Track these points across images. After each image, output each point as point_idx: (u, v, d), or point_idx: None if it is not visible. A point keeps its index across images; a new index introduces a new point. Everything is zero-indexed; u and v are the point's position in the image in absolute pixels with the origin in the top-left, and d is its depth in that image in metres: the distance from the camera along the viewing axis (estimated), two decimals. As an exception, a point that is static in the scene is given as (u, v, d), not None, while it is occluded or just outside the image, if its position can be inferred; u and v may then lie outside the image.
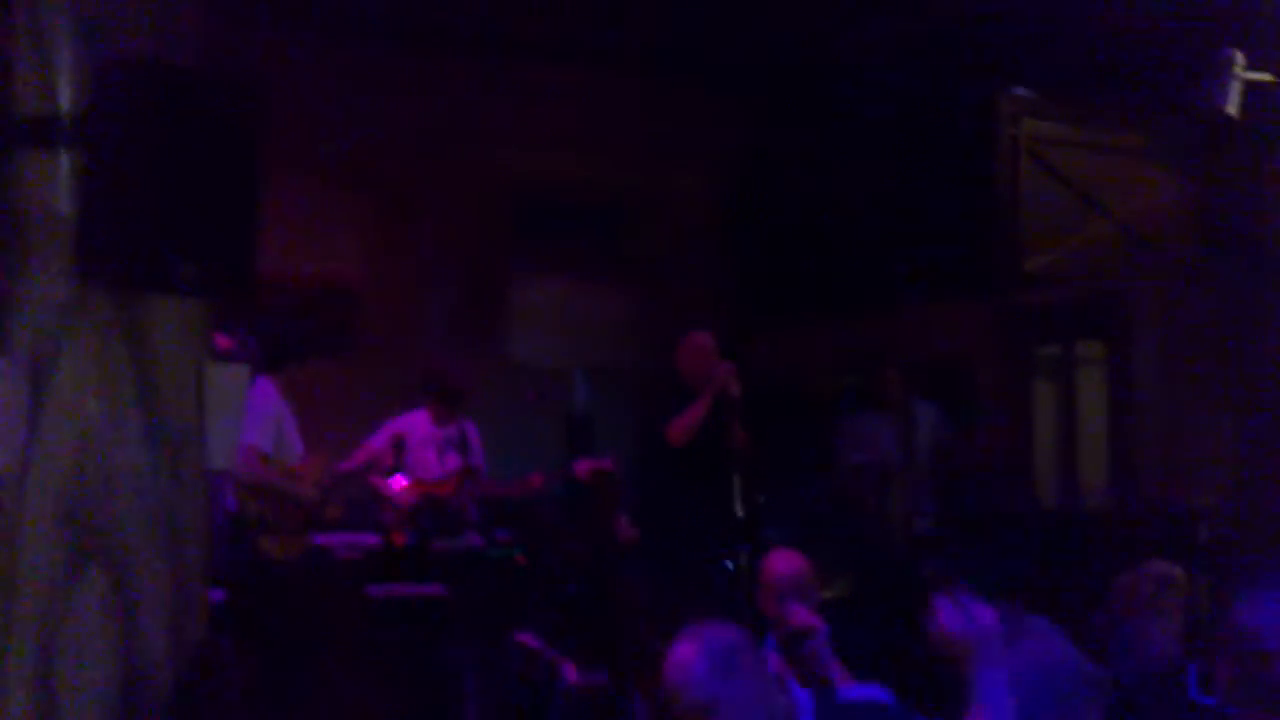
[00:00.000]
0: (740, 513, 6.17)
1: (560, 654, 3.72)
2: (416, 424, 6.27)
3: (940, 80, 7.95)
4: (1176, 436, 7.26)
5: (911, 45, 7.84)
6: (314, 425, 5.86)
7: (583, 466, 6.09)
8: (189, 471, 3.30)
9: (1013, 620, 3.31)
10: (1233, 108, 5.42)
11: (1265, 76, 5.42)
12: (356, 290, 8.13)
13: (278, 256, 3.44)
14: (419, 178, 8.28)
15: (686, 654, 2.68)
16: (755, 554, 6.40)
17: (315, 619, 4.62)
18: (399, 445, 6.11)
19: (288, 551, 5.10)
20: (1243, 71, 5.37)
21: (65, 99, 3.21)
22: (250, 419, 4.97)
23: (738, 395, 6.07)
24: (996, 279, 7.80)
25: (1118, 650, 3.75)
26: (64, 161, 3.20)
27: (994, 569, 3.42)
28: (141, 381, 3.23)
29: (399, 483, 6.13)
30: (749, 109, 8.97)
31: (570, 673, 3.82)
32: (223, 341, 4.93)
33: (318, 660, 4.40)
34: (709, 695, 2.61)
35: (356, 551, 5.63)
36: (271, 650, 4.27)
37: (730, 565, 6.04)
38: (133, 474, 3.18)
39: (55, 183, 3.20)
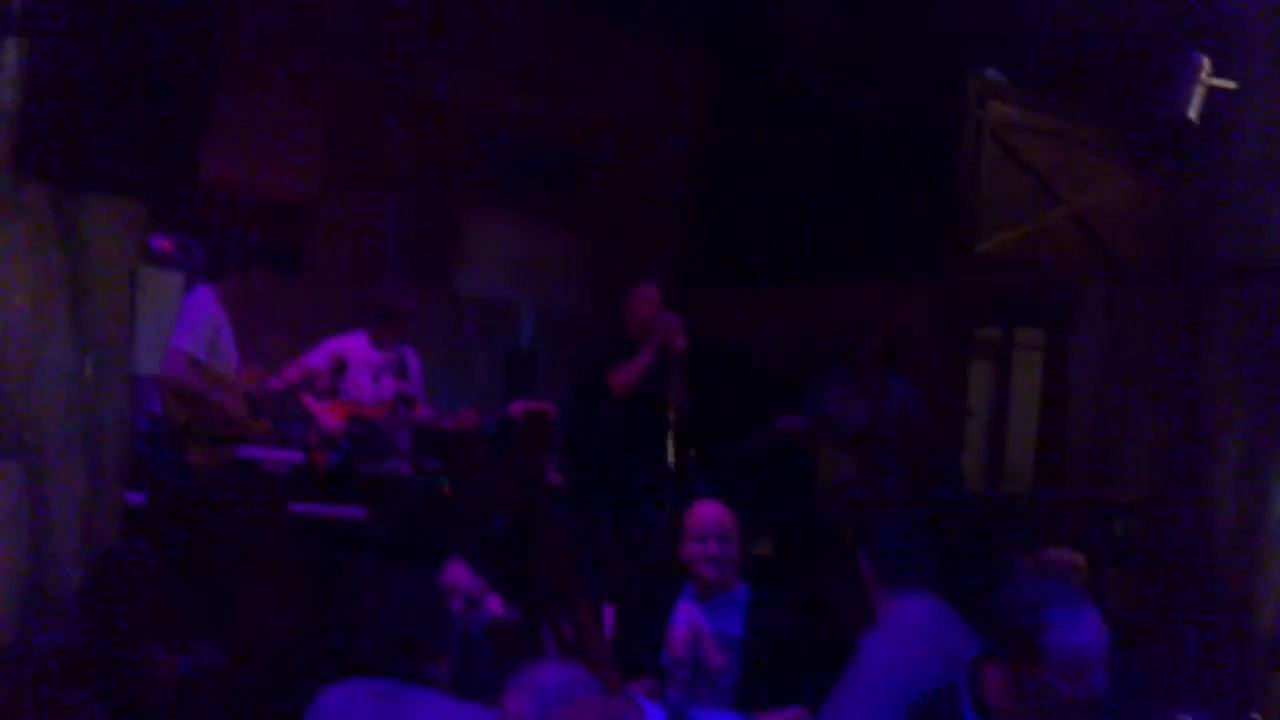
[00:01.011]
0: (671, 464, 6.23)
1: (488, 586, 3.77)
2: (355, 345, 6.23)
3: (908, 54, 7.95)
4: (1106, 430, 7.38)
5: (883, 12, 7.83)
6: (253, 339, 5.83)
7: (518, 406, 6.11)
8: (114, 373, 3.30)
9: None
10: (1194, 113, 5.48)
11: (1229, 83, 5.48)
12: (307, 208, 8.06)
13: (229, 167, 3.42)
14: (378, 102, 8.19)
15: (521, 705, 2.65)
16: (681, 506, 6.48)
17: (234, 530, 4.63)
18: (337, 366, 6.07)
19: (212, 461, 5.09)
20: (1208, 77, 5.42)
21: (17, -13, 3.16)
22: (185, 325, 4.94)
23: (682, 348, 6.11)
24: (947, 258, 7.85)
25: None
26: (11, 52, 3.16)
27: (902, 545, 3.48)
28: (73, 280, 3.22)
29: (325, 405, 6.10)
30: (712, 64, 8.95)
31: (494, 605, 3.87)
32: (163, 244, 4.89)
33: (232, 571, 4.42)
34: None
35: (282, 467, 5.62)
36: (187, 557, 4.29)
37: (655, 515, 6.12)
38: (56, 371, 3.17)
39: (1, 75, 3.16)
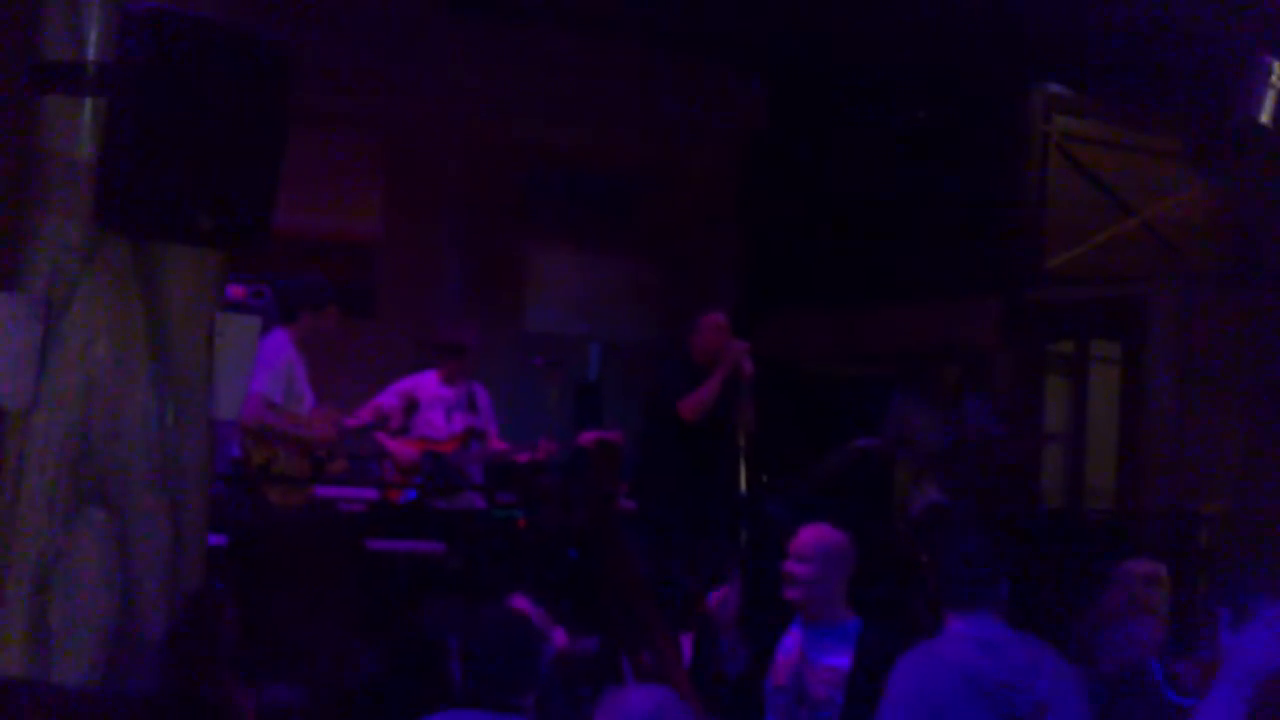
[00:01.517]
0: (743, 490, 6.20)
1: (552, 619, 3.76)
2: (425, 384, 6.31)
3: (971, 68, 7.90)
4: (1186, 441, 7.24)
5: (944, 30, 7.79)
6: (328, 380, 5.92)
7: (588, 436, 6.12)
8: (194, 419, 3.34)
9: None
10: (1266, 116, 5.39)
11: (1301, 87, 5.38)
12: (373, 249, 8.17)
13: (294, 210, 3.47)
14: (438, 142, 8.31)
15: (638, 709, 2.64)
16: (755, 532, 6.44)
17: (314, 569, 4.67)
18: (409, 405, 6.15)
19: (290, 500, 5.16)
20: (1278, 81, 5.33)
21: (92, 47, 3.24)
22: (261, 368, 5.02)
23: (750, 374, 6.09)
24: (1017, 273, 7.78)
25: (1102, 646, 3.76)
26: (88, 108, 3.24)
27: (967, 567, 3.40)
28: (153, 328, 3.27)
29: (401, 443, 6.16)
30: (770, 86, 8.95)
31: (560, 638, 3.86)
32: (235, 291, 4.99)
33: (312, 610, 4.46)
34: None
35: (358, 505, 5.68)
36: (268, 598, 4.33)
37: (730, 543, 6.09)
38: (138, 419, 3.23)
39: (79, 128, 3.25)
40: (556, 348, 7.01)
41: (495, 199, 8.48)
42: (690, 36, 8.54)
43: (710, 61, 8.79)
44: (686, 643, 5.76)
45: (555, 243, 8.84)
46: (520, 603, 3.62)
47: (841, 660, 4.04)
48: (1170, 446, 7.30)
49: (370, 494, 5.80)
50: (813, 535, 4.18)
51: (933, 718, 3.09)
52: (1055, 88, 7.89)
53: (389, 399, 6.20)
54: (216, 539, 4.16)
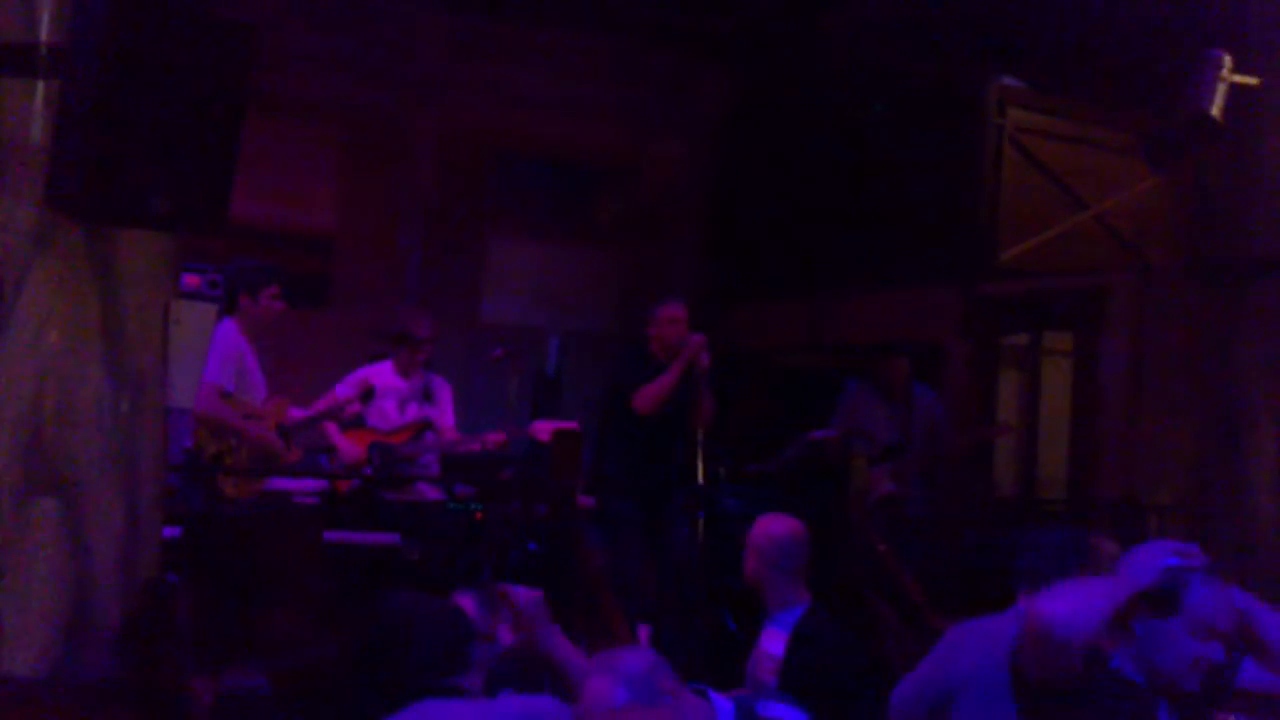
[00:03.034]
0: (700, 482, 6.21)
1: (499, 617, 3.74)
2: (380, 374, 6.25)
3: (928, 62, 7.96)
4: (1137, 433, 7.34)
5: (901, 25, 7.84)
6: (283, 371, 5.87)
7: (544, 427, 6.10)
8: (149, 408, 3.31)
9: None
10: (1216, 110, 5.44)
11: (1251, 79, 5.44)
12: (330, 240, 8.11)
13: (249, 199, 3.45)
14: (397, 131, 8.25)
15: (603, 687, 2.66)
16: (711, 523, 6.46)
17: (268, 561, 4.64)
18: (364, 395, 6.08)
19: (243, 492, 5.11)
20: (1229, 74, 5.39)
21: (45, 28, 3.20)
22: (212, 358, 4.97)
23: (707, 367, 6.09)
24: (972, 267, 7.84)
25: None
26: (40, 90, 3.19)
27: (1044, 562, 3.39)
28: (106, 315, 3.23)
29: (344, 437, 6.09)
30: (731, 78, 8.97)
31: (505, 635, 3.84)
32: (190, 280, 4.92)
33: (267, 602, 4.43)
34: None
35: (313, 497, 5.64)
36: (223, 590, 4.30)
37: (686, 535, 6.10)
38: (92, 407, 3.19)
39: (31, 111, 3.20)
40: (515, 339, 6.98)
41: (454, 189, 8.44)
42: (654, 28, 8.54)
43: (674, 53, 8.80)
44: (644, 634, 5.78)
45: (515, 233, 8.82)
46: (465, 601, 3.60)
47: (778, 647, 4.07)
48: (1121, 438, 7.39)
49: (323, 485, 5.75)
50: (763, 525, 4.20)
51: (953, 687, 3.09)
52: (1009, 81, 7.96)
53: (344, 389, 6.16)
54: (172, 530, 4.12)
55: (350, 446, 6.02)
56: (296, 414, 5.70)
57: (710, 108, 9.07)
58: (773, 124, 8.79)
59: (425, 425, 6.14)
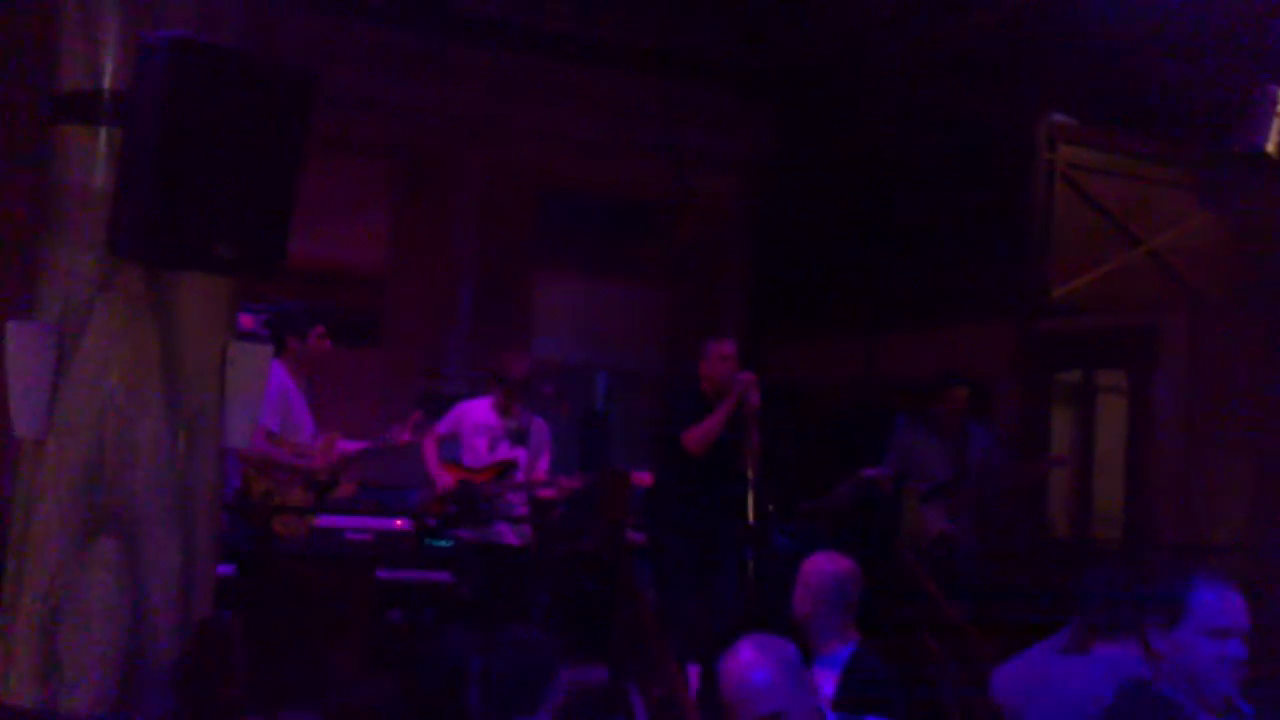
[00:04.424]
0: (751, 520, 6.18)
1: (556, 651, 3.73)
2: (474, 410, 6.15)
3: (977, 99, 7.93)
4: (1193, 469, 7.22)
5: (950, 62, 7.83)
6: (333, 409, 5.90)
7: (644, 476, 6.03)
8: (206, 448, 3.34)
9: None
10: (1272, 146, 5.39)
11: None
12: (380, 279, 8.18)
13: (302, 239, 3.48)
14: (447, 170, 8.33)
15: (753, 660, 2.66)
16: (762, 561, 6.41)
17: (322, 598, 4.66)
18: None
19: (292, 530, 5.13)
20: (1282, 110, 5.34)
21: (108, 76, 3.26)
22: None
23: (757, 405, 6.07)
24: (1024, 304, 7.78)
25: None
26: (103, 137, 3.25)
27: (1109, 596, 3.37)
28: (166, 356, 3.27)
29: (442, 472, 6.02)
30: (778, 116, 8.98)
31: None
32: (245, 321, 4.98)
33: (320, 639, 4.44)
34: (779, 707, 2.62)
35: (366, 534, 5.64)
36: (277, 628, 4.32)
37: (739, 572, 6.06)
38: (150, 447, 3.22)
39: (93, 157, 3.26)
40: (564, 377, 6.99)
41: (503, 227, 8.50)
42: (699, 65, 8.58)
43: (720, 91, 8.83)
44: (694, 673, 5.73)
45: (563, 271, 8.85)
46: (522, 634, 3.58)
47: (829, 688, 4.02)
48: (1177, 476, 7.28)
49: (377, 523, 5.75)
50: (815, 563, 4.15)
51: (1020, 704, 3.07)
52: (1060, 117, 7.92)
53: (442, 424, 6.11)
54: (225, 568, 4.16)
55: (444, 480, 5.97)
56: (346, 446, 5.71)
57: (756, 145, 9.09)
58: (818, 161, 8.79)
59: (511, 466, 6.01)
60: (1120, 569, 3.43)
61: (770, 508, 6.89)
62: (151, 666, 3.15)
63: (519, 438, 6.04)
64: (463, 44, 8.17)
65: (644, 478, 5.92)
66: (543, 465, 6.13)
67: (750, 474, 6.14)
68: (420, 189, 8.32)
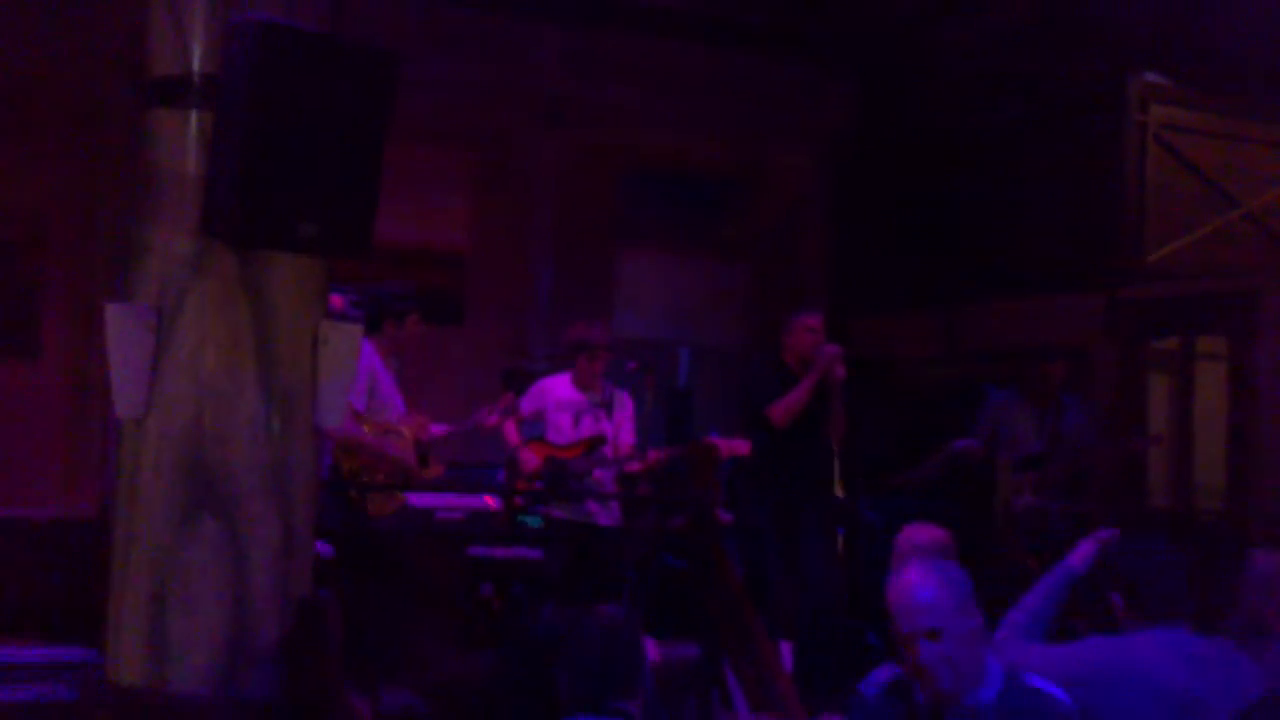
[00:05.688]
0: (840, 495, 6.11)
1: (643, 629, 3.71)
2: (558, 386, 6.06)
3: (1064, 62, 7.72)
4: (1299, 439, 6.99)
5: (1036, 24, 7.63)
6: (418, 389, 5.93)
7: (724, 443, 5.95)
8: (301, 427, 3.38)
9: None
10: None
11: None
12: (463, 259, 8.22)
13: (385, 220, 3.49)
14: (525, 150, 8.33)
15: (920, 578, 2.79)
16: (852, 536, 6.34)
17: (415, 577, 4.69)
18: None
19: (382, 509, 5.16)
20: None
21: (196, 61, 3.29)
22: None
23: (842, 378, 6.00)
24: (1117, 269, 7.58)
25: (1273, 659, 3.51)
26: (194, 120, 3.29)
27: (1156, 577, 3.28)
28: (260, 337, 3.31)
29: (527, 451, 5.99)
30: (858, 87, 8.84)
31: (650, 650, 3.80)
32: (335, 301, 5.02)
33: (415, 618, 4.48)
34: (937, 624, 2.75)
35: (457, 512, 5.67)
36: (372, 606, 4.36)
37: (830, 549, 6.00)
38: (247, 425, 3.27)
39: (185, 142, 3.31)
40: (646, 353, 6.97)
41: (582, 205, 8.49)
42: (779, 37, 8.47)
43: (799, 62, 8.72)
44: (786, 650, 5.70)
45: (643, 248, 8.82)
46: (611, 613, 3.56)
47: None
48: (1281, 444, 7.05)
49: (466, 501, 5.76)
50: (908, 534, 4.08)
51: (1097, 701, 3.01)
52: (1152, 77, 7.68)
53: (524, 402, 6.07)
54: (322, 547, 4.20)
55: (530, 459, 5.93)
56: (437, 430, 5.73)
57: (835, 117, 8.97)
58: (899, 131, 8.63)
59: (599, 441, 5.92)
60: (1165, 550, 3.33)
61: (859, 482, 6.82)
62: (255, 645, 3.20)
63: (604, 411, 5.98)
64: (540, 24, 8.16)
65: (740, 446, 5.82)
66: (626, 438, 6.05)
67: (835, 448, 6.07)
68: (500, 168, 8.34)
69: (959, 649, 2.79)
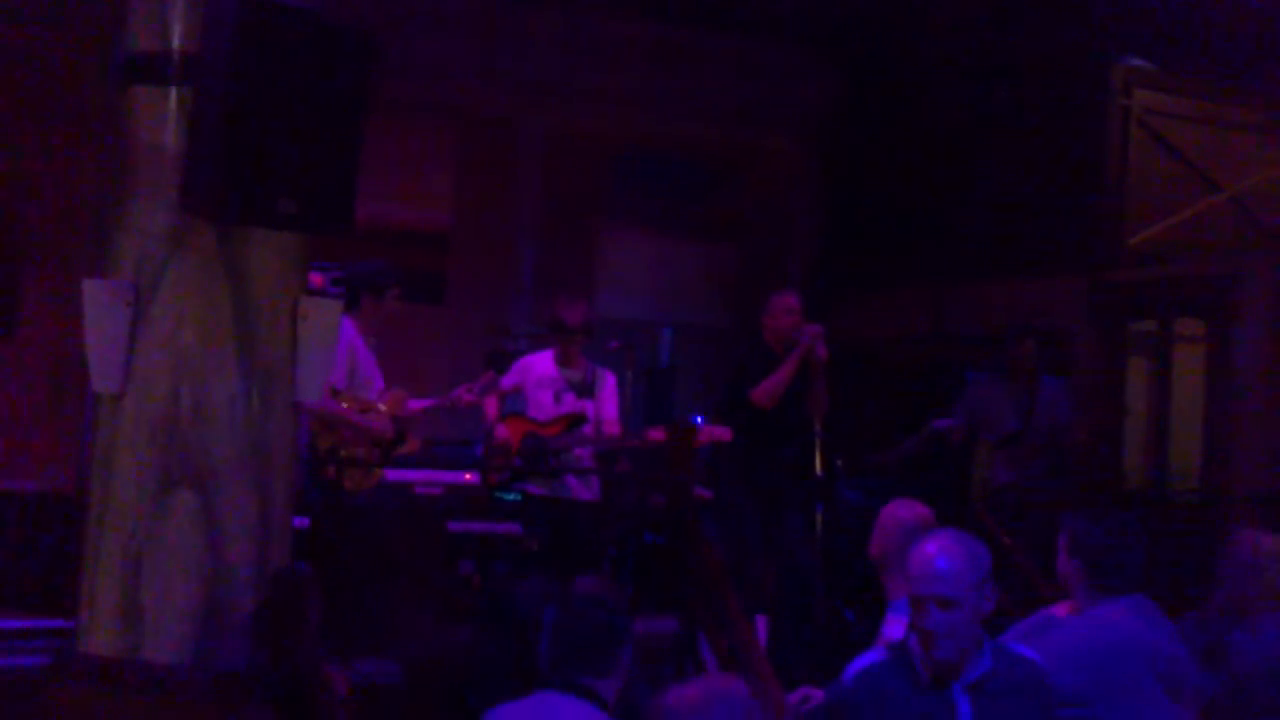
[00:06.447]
0: (819, 473, 6.16)
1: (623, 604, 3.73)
2: (540, 363, 6.10)
3: (1049, 45, 7.75)
4: (1274, 423, 7.06)
5: (1020, 8, 7.66)
6: (400, 365, 5.95)
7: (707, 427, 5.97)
8: (279, 403, 3.38)
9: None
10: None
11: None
12: (445, 238, 8.23)
13: (368, 198, 3.50)
14: (511, 130, 8.34)
15: (942, 548, 2.90)
16: (830, 514, 6.39)
17: (394, 551, 4.72)
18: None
19: (359, 484, 5.18)
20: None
21: (177, 36, 3.29)
22: None
23: (824, 357, 6.03)
24: (1099, 251, 7.63)
25: (1237, 645, 3.56)
26: (173, 97, 3.29)
27: (1110, 546, 3.32)
28: (238, 312, 3.32)
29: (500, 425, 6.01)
30: (842, 68, 8.86)
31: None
32: (315, 278, 5.03)
33: (393, 592, 4.51)
34: (952, 594, 2.84)
35: (435, 487, 5.69)
36: (350, 579, 4.39)
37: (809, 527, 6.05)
38: (225, 402, 3.28)
39: (164, 117, 3.30)
40: (629, 333, 6.99)
41: (567, 186, 8.50)
42: (765, 19, 8.48)
43: (784, 46, 8.73)
44: (762, 625, 5.75)
45: (628, 228, 8.84)
46: (590, 585, 3.58)
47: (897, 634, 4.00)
48: (1257, 428, 7.12)
49: (444, 476, 5.78)
50: (891, 509, 4.10)
51: (1102, 678, 3.07)
52: (1135, 61, 7.71)
53: (506, 378, 6.08)
54: (299, 521, 4.22)
55: (502, 432, 5.94)
56: (414, 406, 5.75)
57: (821, 99, 8.98)
58: (885, 113, 8.66)
59: (579, 418, 5.95)
60: (1116, 518, 3.38)
61: (838, 461, 6.86)
62: (230, 617, 3.22)
63: (584, 389, 5.98)
64: (526, 5, 8.15)
65: (723, 433, 5.84)
66: (609, 414, 6.06)
67: (817, 427, 6.12)
68: (485, 147, 8.35)
69: (966, 623, 2.84)
